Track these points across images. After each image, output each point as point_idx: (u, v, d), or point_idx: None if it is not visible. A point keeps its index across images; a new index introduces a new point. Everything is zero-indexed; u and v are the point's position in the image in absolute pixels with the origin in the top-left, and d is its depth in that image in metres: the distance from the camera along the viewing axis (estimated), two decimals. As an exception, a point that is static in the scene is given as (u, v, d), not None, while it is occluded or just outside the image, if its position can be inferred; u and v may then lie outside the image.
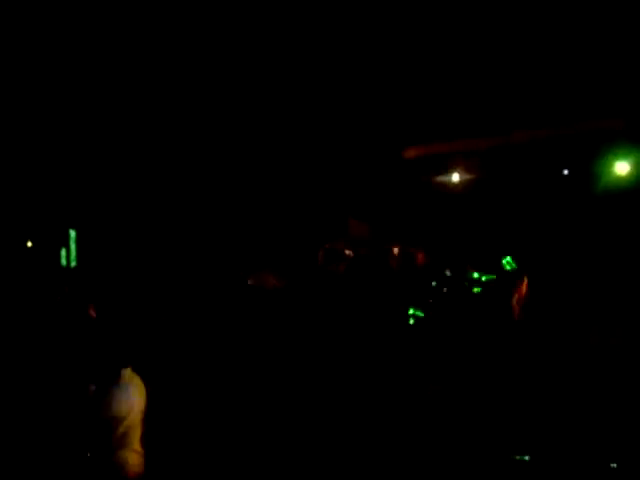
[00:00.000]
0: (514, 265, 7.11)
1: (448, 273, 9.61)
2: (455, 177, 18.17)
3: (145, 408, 4.48)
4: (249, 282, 9.45)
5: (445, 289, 7.28)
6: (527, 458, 4.97)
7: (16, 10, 14.94)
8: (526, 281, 7.93)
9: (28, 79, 15.45)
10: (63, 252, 16.57)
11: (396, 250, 12.06)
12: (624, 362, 5.03)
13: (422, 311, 7.14)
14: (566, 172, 16.32)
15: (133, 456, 4.32)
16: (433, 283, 7.54)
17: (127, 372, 4.49)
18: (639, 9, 13.76)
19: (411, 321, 6.93)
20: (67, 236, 16.70)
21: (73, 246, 16.72)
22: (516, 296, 7.59)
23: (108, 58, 15.94)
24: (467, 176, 17.90)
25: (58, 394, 4.58)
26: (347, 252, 11.84)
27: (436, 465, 5.01)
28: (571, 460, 4.85)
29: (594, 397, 5.06)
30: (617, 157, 15.89)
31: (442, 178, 18.25)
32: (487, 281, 7.16)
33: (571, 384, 5.32)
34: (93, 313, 6.60)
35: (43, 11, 15.31)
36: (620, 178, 15.89)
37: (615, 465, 4.64)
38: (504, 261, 7.11)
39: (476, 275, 7.17)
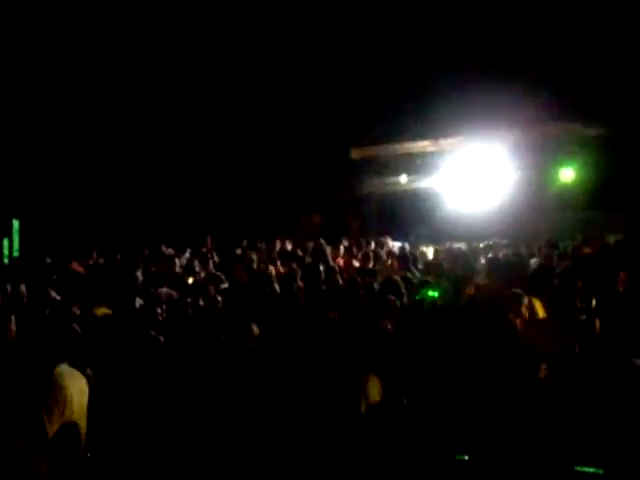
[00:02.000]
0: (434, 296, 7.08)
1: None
2: (403, 179, 18.39)
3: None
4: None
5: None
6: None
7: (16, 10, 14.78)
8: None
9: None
10: (6, 242, 16.27)
11: (343, 246, 12.16)
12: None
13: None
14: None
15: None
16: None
17: (64, 368, 4.38)
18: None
19: (427, 302, 6.88)
20: (10, 226, 16.40)
21: (16, 236, 16.44)
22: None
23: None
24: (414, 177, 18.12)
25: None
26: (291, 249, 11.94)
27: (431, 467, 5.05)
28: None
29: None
30: (561, 164, 16.27)
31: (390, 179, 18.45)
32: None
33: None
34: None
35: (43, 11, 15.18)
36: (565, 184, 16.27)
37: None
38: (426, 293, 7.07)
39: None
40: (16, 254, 16.17)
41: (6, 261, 15.75)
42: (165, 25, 16.22)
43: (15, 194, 16.31)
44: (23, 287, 7.88)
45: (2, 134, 15.98)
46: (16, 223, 16.46)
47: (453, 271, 8.85)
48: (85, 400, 4.37)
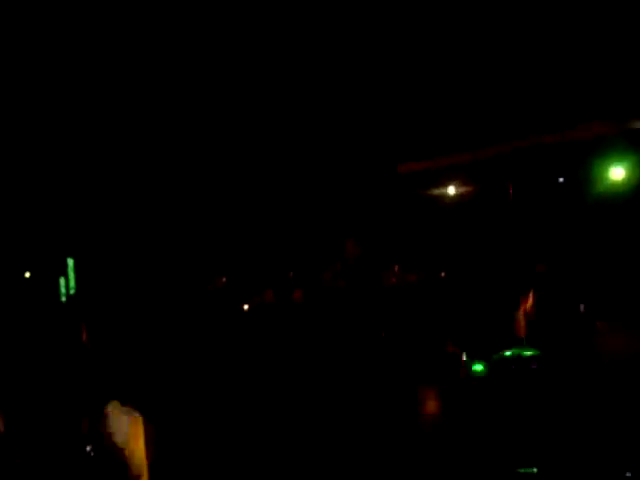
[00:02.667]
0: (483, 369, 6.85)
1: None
2: (451, 190, 18.17)
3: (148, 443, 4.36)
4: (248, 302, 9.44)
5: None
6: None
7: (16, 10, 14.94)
8: (532, 295, 7.88)
9: (25, 100, 15.45)
10: (62, 281, 16.54)
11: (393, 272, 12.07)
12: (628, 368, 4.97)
13: None
14: (561, 180, 16.31)
15: None
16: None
17: (116, 404, 4.36)
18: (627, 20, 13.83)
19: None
20: (65, 265, 16.67)
21: (72, 274, 16.69)
22: (522, 309, 7.51)
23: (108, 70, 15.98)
24: (463, 189, 17.90)
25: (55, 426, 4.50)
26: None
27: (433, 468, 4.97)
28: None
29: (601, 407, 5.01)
30: (612, 163, 15.91)
31: (438, 191, 18.25)
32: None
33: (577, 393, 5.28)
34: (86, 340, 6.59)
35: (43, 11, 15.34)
36: (616, 184, 15.89)
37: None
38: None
39: None
40: (72, 291, 16.41)
41: (64, 299, 16.01)
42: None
43: (69, 233, 16.56)
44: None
45: (56, 175, 16.27)
46: (71, 262, 16.72)
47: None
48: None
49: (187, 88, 16.50)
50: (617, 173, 15.97)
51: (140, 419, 4.34)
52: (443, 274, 10.87)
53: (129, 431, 4.20)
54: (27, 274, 16.63)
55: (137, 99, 16.40)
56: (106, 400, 4.35)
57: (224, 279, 11.99)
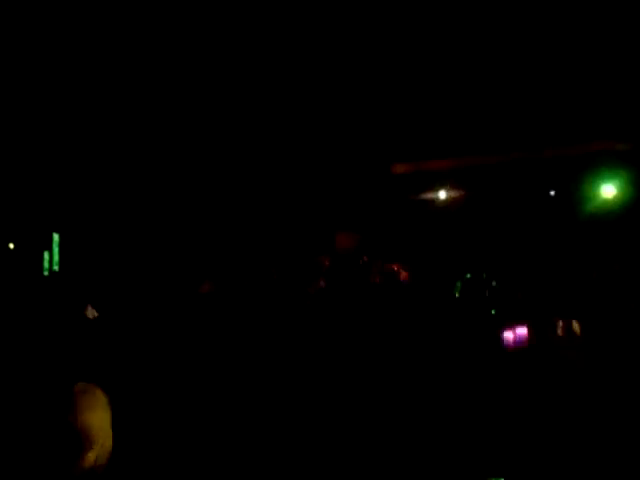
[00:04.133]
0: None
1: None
2: (442, 194, 18.26)
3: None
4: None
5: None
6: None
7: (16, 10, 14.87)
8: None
9: (12, 79, 15.35)
10: (46, 256, 16.42)
11: (379, 265, 12.00)
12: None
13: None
14: (552, 193, 16.37)
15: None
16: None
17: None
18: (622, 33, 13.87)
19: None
20: (50, 240, 16.57)
21: (56, 250, 16.58)
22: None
23: (102, 57, 15.88)
24: (454, 193, 17.98)
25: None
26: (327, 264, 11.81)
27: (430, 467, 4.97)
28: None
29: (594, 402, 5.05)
30: (604, 180, 16.00)
31: (429, 195, 18.32)
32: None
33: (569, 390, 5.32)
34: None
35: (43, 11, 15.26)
36: (606, 200, 15.99)
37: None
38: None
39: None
40: (56, 267, 16.31)
41: (46, 273, 15.89)
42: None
43: (56, 207, 16.46)
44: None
45: (43, 147, 16.16)
46: (56, 237, 16.62)
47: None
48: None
49: (173, 69, 16.44)
50: (608, 191, 16.08)
51: (98, 391, 4.35)
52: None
53: (83, 403, 4.22)
54: (11, 245, 16.53)
55: (126, 80, 16.34)
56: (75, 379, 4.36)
57: (210, 267, 11.91)
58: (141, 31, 15.88)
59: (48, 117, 16.05)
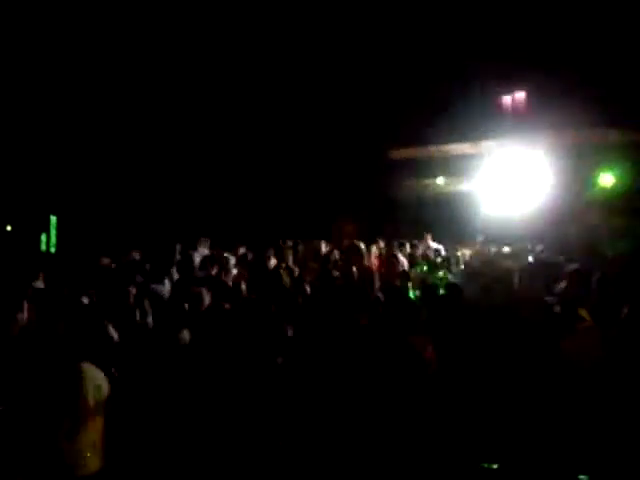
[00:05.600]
0: None
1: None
2: (440, 180, 18.28)
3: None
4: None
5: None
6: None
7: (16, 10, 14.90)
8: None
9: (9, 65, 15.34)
10: (43, 237, 16.43)
11: (375, 249, 11.96)
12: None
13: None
14: (551, 182, 16.33)
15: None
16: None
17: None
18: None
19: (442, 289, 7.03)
20: (48, 222, 16.57)
21: (53, 232, 16.59)
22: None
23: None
24: (451, 180, 18.00)
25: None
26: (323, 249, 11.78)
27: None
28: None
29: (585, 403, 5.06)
30: (602, 169, 15.99)
31: (427, 181, 18.33)
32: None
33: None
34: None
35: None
36: (604, 190, 15.99)
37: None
38: None
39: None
40: (53, 249, 16.32)
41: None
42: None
43: (53, 190, 16.46)
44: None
45: (39, 130, 16.14)
46: (54, 219, 16.62)
47: (485, 274, 8.72)
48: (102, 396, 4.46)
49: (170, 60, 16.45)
50: (606, 180, 16.07)
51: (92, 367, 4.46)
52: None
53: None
54: (8, 227, 16.55)
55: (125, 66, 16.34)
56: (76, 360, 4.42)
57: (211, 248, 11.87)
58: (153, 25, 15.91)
59: (46, 101, 16.03)
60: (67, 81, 16.12)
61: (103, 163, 16.83)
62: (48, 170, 16.28)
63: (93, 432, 4.42)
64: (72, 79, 16.14)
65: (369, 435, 4.96)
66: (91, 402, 4.39)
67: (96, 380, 4.51)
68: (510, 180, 16.66)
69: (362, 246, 10.68)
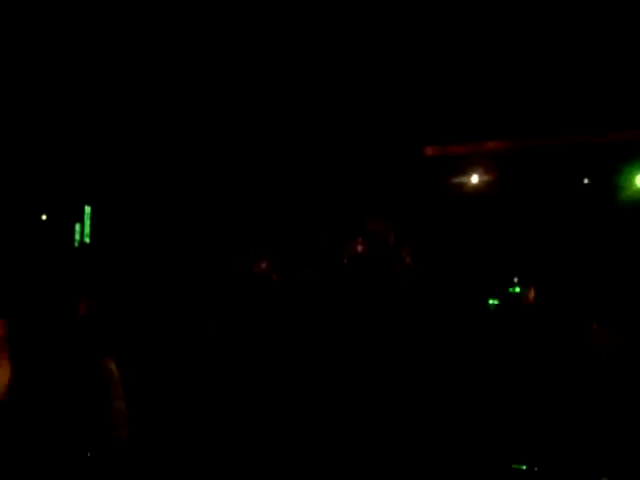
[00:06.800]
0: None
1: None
2: (474, 179, 18.10)
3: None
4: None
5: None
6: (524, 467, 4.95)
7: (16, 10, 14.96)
8: (533, 291, 8.09)
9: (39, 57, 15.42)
10: (77, 227, 16.55)
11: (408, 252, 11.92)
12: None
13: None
14: (586, 181, 16.16)
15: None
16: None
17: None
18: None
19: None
20: (82, 212, 16.68)
21: (88, 222, 16.70)
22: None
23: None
24: (486, 178, 17.82)
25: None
26: (359, 248, 11.74)
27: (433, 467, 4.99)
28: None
29: (596, 401, 5.05)
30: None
31: (461, 179, 18.17)
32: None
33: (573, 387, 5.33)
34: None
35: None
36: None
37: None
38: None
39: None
40: (87, 239, 16.43)
41: (77, 245, 16.03)
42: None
43: (88, 180, 16.56)
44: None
45: (74, 121, 16.23)
46: (88, 209, 16.73)
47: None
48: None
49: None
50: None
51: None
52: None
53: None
54: (44, 217, 16.66)
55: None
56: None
57: (248, 250, 11.87)
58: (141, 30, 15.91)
59: (81, 90, 16.11)
60: (102, 72, 16.19)
61: (138, 154, 16.89)
62: (82, 160, 16.38)
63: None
64: (104, 71, 16.21)
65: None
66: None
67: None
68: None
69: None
